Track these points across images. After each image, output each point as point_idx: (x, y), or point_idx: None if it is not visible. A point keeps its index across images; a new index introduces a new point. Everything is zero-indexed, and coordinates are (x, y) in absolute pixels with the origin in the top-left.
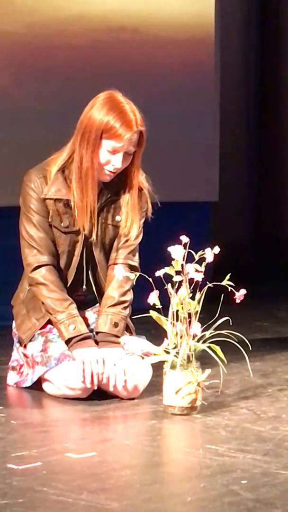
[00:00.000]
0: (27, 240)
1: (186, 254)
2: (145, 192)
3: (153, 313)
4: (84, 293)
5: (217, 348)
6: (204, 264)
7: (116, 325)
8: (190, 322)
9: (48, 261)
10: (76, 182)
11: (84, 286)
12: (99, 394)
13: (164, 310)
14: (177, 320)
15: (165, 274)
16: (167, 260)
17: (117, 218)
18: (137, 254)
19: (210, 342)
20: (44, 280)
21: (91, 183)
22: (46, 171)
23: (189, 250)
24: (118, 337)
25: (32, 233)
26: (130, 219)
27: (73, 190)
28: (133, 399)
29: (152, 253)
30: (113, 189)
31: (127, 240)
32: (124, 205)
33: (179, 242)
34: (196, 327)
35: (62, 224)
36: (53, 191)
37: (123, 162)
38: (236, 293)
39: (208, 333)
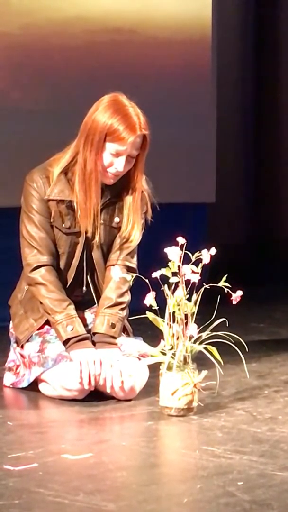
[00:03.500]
0: (27, 239)
1: (182, 255)
2: (145, 195)
3: (149, 314)
4: (83, 294)
5: (214, 350)
6: (200, 265)
7: (113, 326)
8: (186, 323)
9: (47, 262)
10: (79, 184)
11: (84, 288)
12: (96, 395)
13: (160, 311)
14: (173, 321)
15: (162, 275)
16: (164, 261)
17: (116, 219)
18: (135, 256)
19: (207, 344)
20: (43, 280)
21: (95, 186)
22: (48, 171)
23: (186, 251)
24: (115, 338)
25: (33, 233)
26: (132, 221)
27: (76, 191)
28: (129, 400)
29: (148, 254)
30: (114, 191)
31: (126, 242)
32: (125, 207)
33: (176, 243)
34: (193, 329)
35: (63, 225)
36: (56, 192)
37: (126, 165)
38: (233, 294)
39: (204, 335)
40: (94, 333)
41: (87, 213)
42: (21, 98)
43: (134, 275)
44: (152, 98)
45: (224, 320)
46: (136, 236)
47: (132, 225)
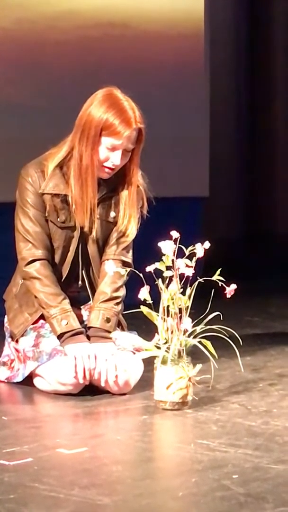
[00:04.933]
0: (22, 233)
1: (176, 249)
2: (141, 189)
3: (143, 309)
4: (78, 289)
5: (208, 343)
6: (194, 259)
7: (108, 320)
8: (180, 317)
9: (42, 256)
10: (75, 179)
11: (79, 282)
12: (90, 390)
13: (154, 305)
14: (168, 315)
15: (156, 270)
16: (158, 255)
17: (112, 214)
18: (131, 251)
19: (201, 337)
20: (38, 274)
21: (91, 180)
22: (44, 165)
23: (180, 245)
24: (110, 332)
25: (28, 227)
26: (128, 216)
27: (72, 186)
28: (124, 394)
29: (142, 248)
30: (110, 185)
31: (122, 236)
32: (122, 202)
33: (170, 237)
34: (187, 322)
35: (58, 219)
36: (51, 186)
37: (121, 159)
38: (227, 288)
39: (199, 328)
40: (89, 327)
41: (84, 208)
42: (14, 93)
43: (128, 269)
44: (145, 92)
45: (218, 314)
46: (132, 231)
47: (128, 219)
